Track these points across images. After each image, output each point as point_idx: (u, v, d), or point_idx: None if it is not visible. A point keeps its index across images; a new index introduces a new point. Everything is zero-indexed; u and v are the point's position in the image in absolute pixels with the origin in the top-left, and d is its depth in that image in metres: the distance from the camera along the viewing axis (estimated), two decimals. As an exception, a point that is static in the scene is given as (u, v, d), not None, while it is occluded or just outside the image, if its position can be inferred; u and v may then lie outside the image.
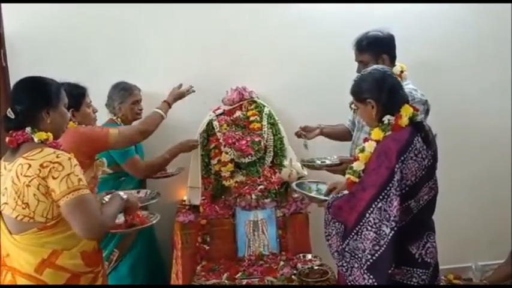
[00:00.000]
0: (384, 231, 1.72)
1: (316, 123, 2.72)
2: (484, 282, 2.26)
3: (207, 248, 2.64)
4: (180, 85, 2.75)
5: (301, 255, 2.62)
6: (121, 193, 1.88)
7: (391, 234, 1.70)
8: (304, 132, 2.64)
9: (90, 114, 2.17)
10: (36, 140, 1.65)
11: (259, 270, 2.49)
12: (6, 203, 1.61)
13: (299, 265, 2.51)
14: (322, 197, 2.19)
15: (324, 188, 2.33)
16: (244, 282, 2.39)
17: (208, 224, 2.67)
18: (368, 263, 1.74)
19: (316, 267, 2.46)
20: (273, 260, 2.58)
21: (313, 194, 2.31)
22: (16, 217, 1.60)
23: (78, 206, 1.58)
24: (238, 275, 2.46)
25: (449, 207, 3.15)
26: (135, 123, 2.80)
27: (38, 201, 1.58)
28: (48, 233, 1.62)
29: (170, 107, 2.62)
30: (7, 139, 1.66)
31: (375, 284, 1.73)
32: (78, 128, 2.14)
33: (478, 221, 3.36)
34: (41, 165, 1.57)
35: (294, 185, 2.46)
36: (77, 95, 2.12)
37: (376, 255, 1.72)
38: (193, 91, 2.77)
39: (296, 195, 2.72)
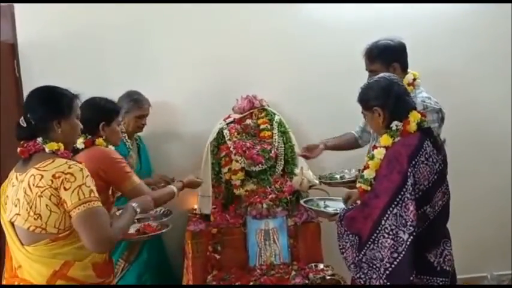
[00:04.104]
0: (401, 237, 1.69)
1: (328, 131, 2.70)
2: None
3: (218, 257, 2.62)
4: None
5: (313, 264, 2.59)
6: (133, 204, 1.84)
7: (409, 240, 1.68)
8: (308, 153, 2.57)
9: (118, 132, 2.22)
10: (47, 150, 1.64)
11: (270, 280, 2.46)
12: (18, 214, 1.60)
13: (311, 275, 2.48)
14: (332, 211, 2.18)
15: (331, 204, 2.32)
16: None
17: (219, 233, 2.65)
18: (387, 271, 1.70)
19: (328, 277, 2.44)
20: (285, 270, 2.56)
21: (322, 209, 2.30)
22: (28, 228, 1.59)
23: (88, 218, 1.57)
24: (250, 284, 2.44)
25: (466, 217, 3.10)
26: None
27: (50, 211, 1.58)
28: (60, 244, 1.62)
29: (182, 189, 2.32)
30: (18, 150, 1.66)
31: None
32: (109, 151, 2.10)
33: (494, 230, 3.30)
34: (53, 176, 1.57)
35: (302, 202, 2.45)
36: (111, 111, 2.17)
37: (395, 262, 1.69)
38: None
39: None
